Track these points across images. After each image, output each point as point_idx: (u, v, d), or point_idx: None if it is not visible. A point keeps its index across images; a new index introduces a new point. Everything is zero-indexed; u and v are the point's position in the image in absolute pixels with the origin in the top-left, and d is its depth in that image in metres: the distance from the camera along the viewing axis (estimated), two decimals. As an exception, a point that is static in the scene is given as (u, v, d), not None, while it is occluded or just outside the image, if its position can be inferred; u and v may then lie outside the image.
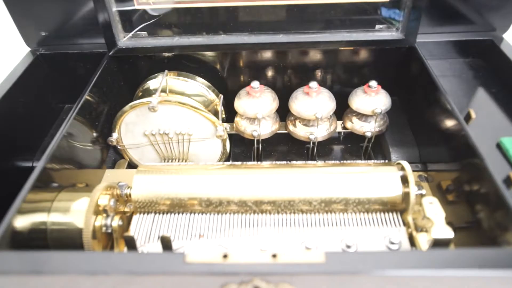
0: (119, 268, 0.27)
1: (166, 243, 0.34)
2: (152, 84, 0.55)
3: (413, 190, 0.39)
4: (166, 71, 0.53)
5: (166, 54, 0.55)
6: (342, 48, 0.54)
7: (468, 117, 0.41)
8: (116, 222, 0.38)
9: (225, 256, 0.27)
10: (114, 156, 0.55)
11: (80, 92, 0.47)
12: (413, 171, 0.42)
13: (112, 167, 0.54)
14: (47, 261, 0.28)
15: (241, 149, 0.56)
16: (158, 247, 0.38)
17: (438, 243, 0.35)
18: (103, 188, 0.39)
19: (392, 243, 0.38)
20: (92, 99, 0.49)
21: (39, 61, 0.56)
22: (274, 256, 0.27)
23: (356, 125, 0.53)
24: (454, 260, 0.27)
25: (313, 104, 0.50)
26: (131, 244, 0.36)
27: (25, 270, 0.28)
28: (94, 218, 0.37)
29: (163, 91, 0.51)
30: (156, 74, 0.56)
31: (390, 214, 0.41)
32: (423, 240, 0.37)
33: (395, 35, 0.52)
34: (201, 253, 0.27)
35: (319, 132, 0.52)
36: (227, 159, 0.54)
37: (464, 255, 0.27)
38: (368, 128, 0.52)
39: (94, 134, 0.49)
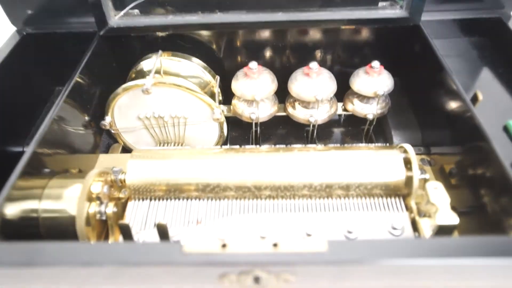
0: (113, 259, 0.26)
1: (162, 231, 0.33)
2: (145, 65, 0.53)
3: (416, 174, 0.38)
4: (160, 52, 0.51)
5: (160, 34, 0.53)
6: (343, 27, 0.52)
7: (475, 99, 0.39)
8: (110, 209, 0.37)
9: (224, 245, 0.26)
10: (108, 141, 0.54)
11: (70, 74, 0.45)
12: (416, 154, 0.41)
13: (106, 151, 0.52)
14: (40, 253, 0.27)
15: (238, 132, 0.55)
16: (154, 234, 0.37)
17: (442, 229, 0.34)
18: (96, 173, 0.38)
19: (394, 228, 0.37)
20: (83, 81, 0.47)
21: (26, 42, 0.54)
22: (275, 245, 0.26)
23: (357, 107, 0.51)
24: (461, 248, 0.26)
25: (313, 86, 0.48)
26: (126, 231, 0.35)
27: (16, 262, 0.26)
28: (88, 205, 0.36)
29: (157, 72, 0.49)
30: (149, 55, 0.54)
31: (393, 198, 0.40)
32: (426, 226, 0.36)
33: (399, 13, 0.50)
34: (199, 243, 0.26)
35: (319, 115, 0.51)
36: (225, 143, 0.53)
37: (471, 243, 0.26)
38: (370, 110, 0.51)
39: (86, 118, 0.47)
